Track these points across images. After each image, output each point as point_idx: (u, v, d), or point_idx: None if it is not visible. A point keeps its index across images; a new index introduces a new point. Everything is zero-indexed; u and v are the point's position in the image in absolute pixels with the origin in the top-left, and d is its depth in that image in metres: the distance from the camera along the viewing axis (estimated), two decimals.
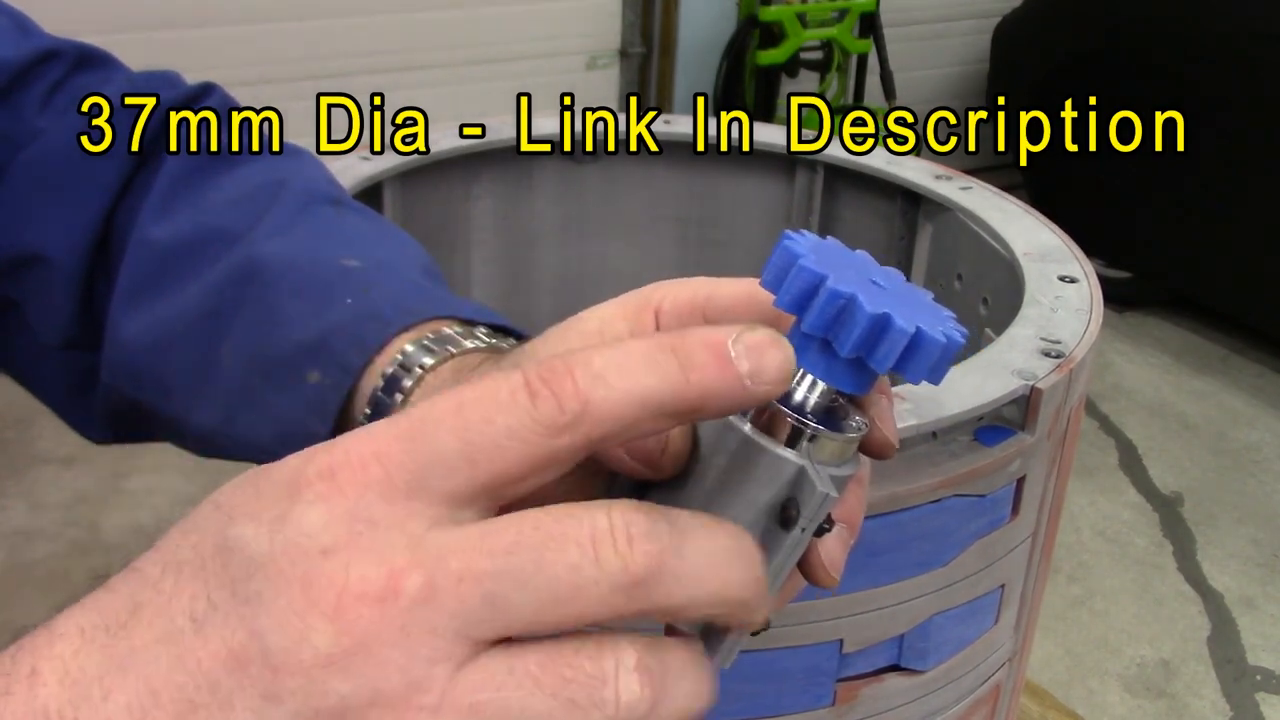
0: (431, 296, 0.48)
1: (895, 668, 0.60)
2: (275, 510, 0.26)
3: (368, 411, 0.45)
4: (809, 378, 0.33)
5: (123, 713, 0.25)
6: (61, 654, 0.27)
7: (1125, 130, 3.04)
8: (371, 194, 0.82)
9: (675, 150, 0.94)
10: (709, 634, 0.32)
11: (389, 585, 0.25)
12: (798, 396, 0.33)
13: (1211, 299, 3.07)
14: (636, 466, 0.32)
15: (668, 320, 0.38)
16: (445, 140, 0.87)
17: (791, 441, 0.32)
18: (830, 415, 0.33)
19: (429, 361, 0.44)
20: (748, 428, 0.32)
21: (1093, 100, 3.11)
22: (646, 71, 3.25)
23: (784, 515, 0.32)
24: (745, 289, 0.37)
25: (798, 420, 0.32)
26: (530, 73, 3.04)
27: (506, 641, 0.26)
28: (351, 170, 0.80)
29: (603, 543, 0.25)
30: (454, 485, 0.26)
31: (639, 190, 0.96)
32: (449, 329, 0.46)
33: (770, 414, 0.32)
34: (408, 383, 0.44)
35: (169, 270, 0.51)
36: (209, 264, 0.50)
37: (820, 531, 0.33)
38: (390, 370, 0.44)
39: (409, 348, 0.45)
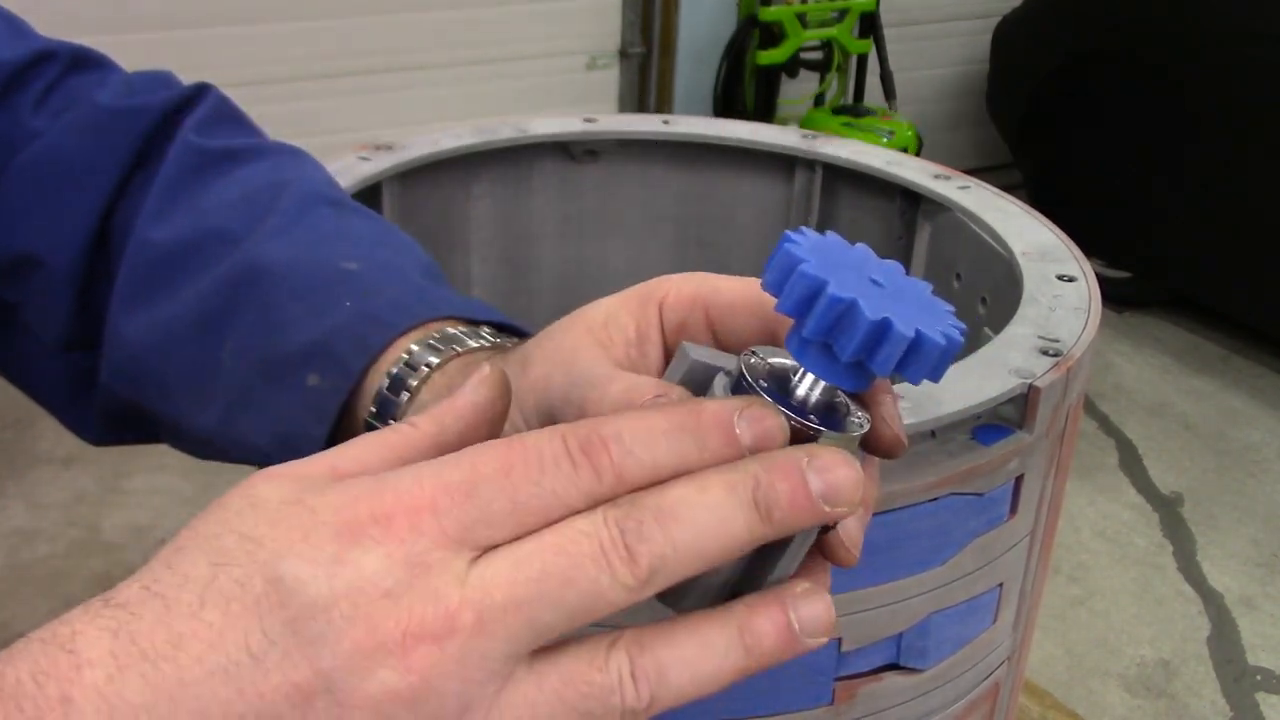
0: (434, 297, 0.48)
1: (894, 666, 0.60)
2: (329, 551, 0.28)
3: (373, 409, 0.45)
4: (810, 375, 0.33)
5: None
6: (95, 682, 0.27)
7: (1125, 130, 3.05)
8: (371, 194, 0.82)
9: (675, 150, 0.94)
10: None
11: (446, 624, 0.27)
12: (800, 393, 0.33)
13: (1211, 299, 3.07)
14: None
15: (670, 315, 0.39)
16: (445, 140, 0.87)
17: (795, 442, 0.32)
18: (832, 411, 0.34)
19: (435, 360, 0.44)
20: None
21: (1092, 100, 3.11)
22: (646, 71, 3.25)
23: None
24: (747, 288, 0.38)
25: (800, 423, 0.32)
26: (530, 73, 3.04)
27: (532, 657, 0.29)
28: (351, 170, 0.80)
29: (612, 554, 0.28)
30: (498, 537, 0.29)
31: (639, 190, 0.96)
32: (453, 328, 0.46)
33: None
34: (414, 382, 0.44)
35: (168, 272, 0.51)
36: (208, 266, 0.50)
37: (825, 528, 0.33)
38: (395, 370, 0.44)
39: (414, 347, 0.45)
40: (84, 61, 0.57)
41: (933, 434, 0.57)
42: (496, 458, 0.29)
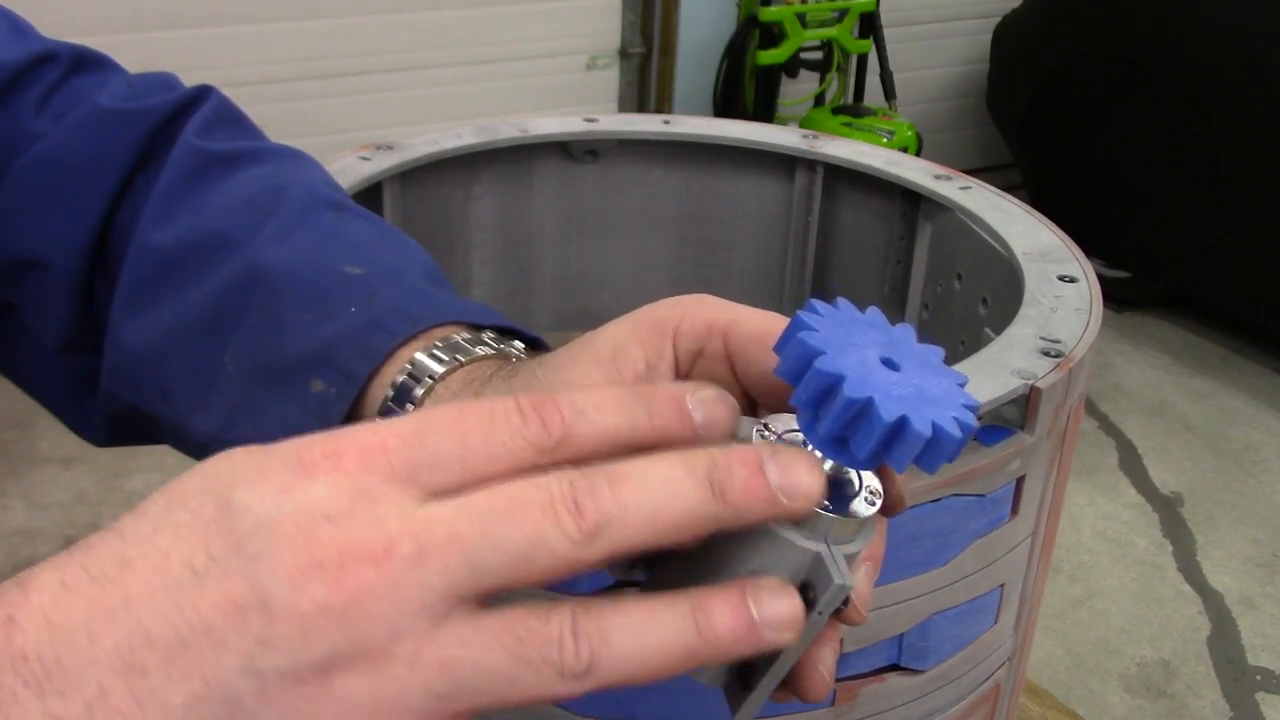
0: (437, 301, 0.48)
1: (895, 667, 0.60)
2: (281, 482, 0.28)
3: (378, 418, 0.45)
4: (819, 452, 0.33)
5: (110, 654, 0.27)
6: (40, 605, 0.28)
7: (1125, 130, 3.04)
8: (371, 194, 0.82)
9: (675, 150, 0.94)
10: (746, 676, 0.33)
11: (384, 549, 0.27)
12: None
13: (1211, 299, 3.07)
14: None
15: (685, 344, 0.38)
16: (446, 140, 0.87)
17: (807, 525, 0.32)
18: (842, 489, 0.34)
19: (439, 370, 0.44)
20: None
21: (1092, 100, 3.11)
22: (646, 71, 3.25)
23: (801, 599, 0.32)
24: (769, 322, 0.37)
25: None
26: (530, 73, 3.04)
27: (476, 606, 0.29)
28: (351, 170, 0.80)
29: (559, 505, 0.29)
30: (444, 481, 0.29)
31: (639, 190, 0.96)
32: (457, 335, 0.46)
33: None
34: (418, 392, 0.44)
35: (170, 275, 0.51)
36: (210, 270, 0.50)
37: (837, 612, 0.34)
38: (400, 379, 0.44)
39: (418, 356, 0.45)
40: (86, 62, 0.57)
41: None
42: (450, 411, 0.30)
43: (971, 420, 0.32)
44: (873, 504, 0.34)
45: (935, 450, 0.31)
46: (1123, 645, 2.11)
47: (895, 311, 0.90)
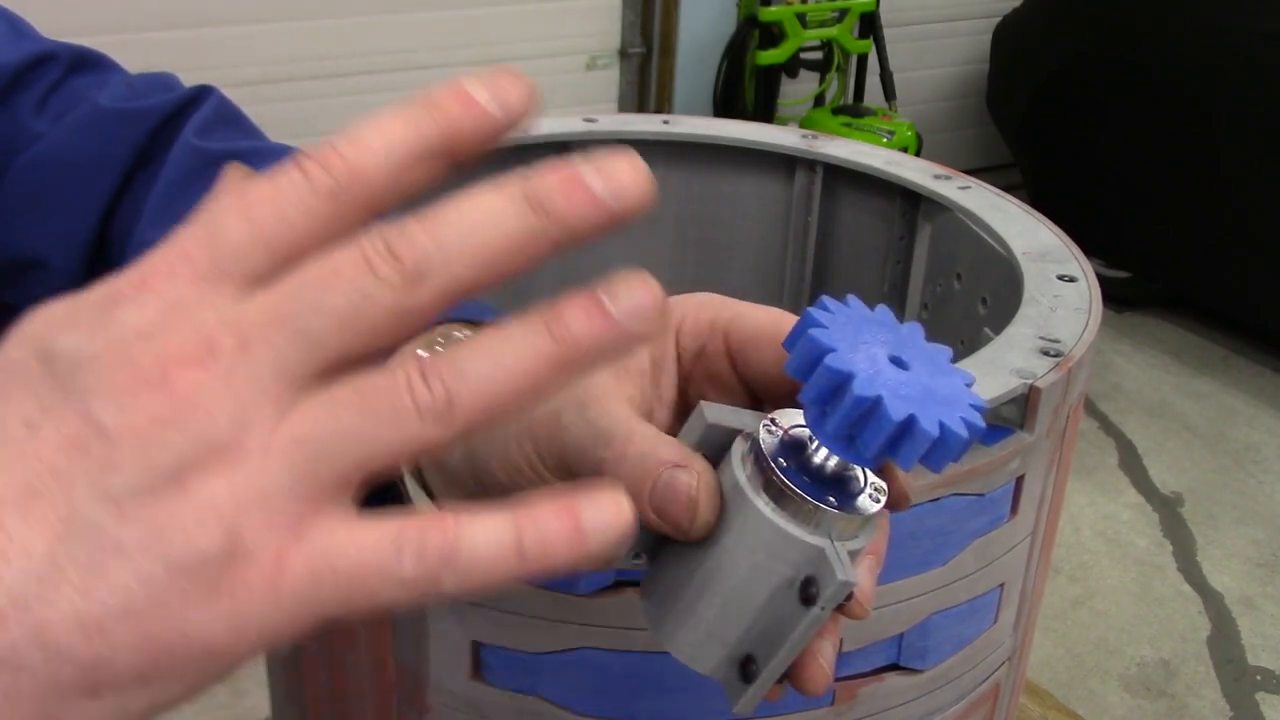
0: None
1: (894, 667, 0.60)
2: (94, 319, 0.28)
3: None
4: (825, 448, 0.33)
5: None
6: None
7: (1125, 130, 3.04)
8: None
9: (675, 150, 0.94)
10: (747, 668, 0.33)
11: (207, 347, 0.27)
12: (816, 460, 0.33)
13: (1211, 299, 3.07)
14: (665, 527, 0.34)
15: (687, 342, 0.38)
16: None
17: (812, 520, 0.32)
18: (847, 485, 0.34)
19: None
20: (767, 505, 0.32)
21: (1092, 100, 3.11)
22: (646, 71, 3.25)
23: (804, 594, 0.32)
24: (771, 319, 0.37)
25: (816, 505, 0.32)
26: (530, 73, 2.99)
27: (321, 384, 0.28)
28: None
29: (374, 258, 0.28)
30: (251, 265, 0.28)
31: None
32: (457, 332, 0.45)
33: (787, 491, 0.32)
34: None
35: None
36: None
37: (840, 607, 0.34)
38: None
39: (420, 353, 0.45)
40: (85, 63, 0.57)
41: None
42: (239, 197, 0.29)
43: (979, 421, 0.32)
44: (877, 501, 0.34)
45: (942, 450, 0.31)
46: (1123, 645, 2.11)
47: (895, 311, 0.89)
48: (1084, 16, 3.14)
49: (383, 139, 0.29)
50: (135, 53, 2.60)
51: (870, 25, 3.30)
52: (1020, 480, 0.60)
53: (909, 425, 0.31)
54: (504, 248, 0.29)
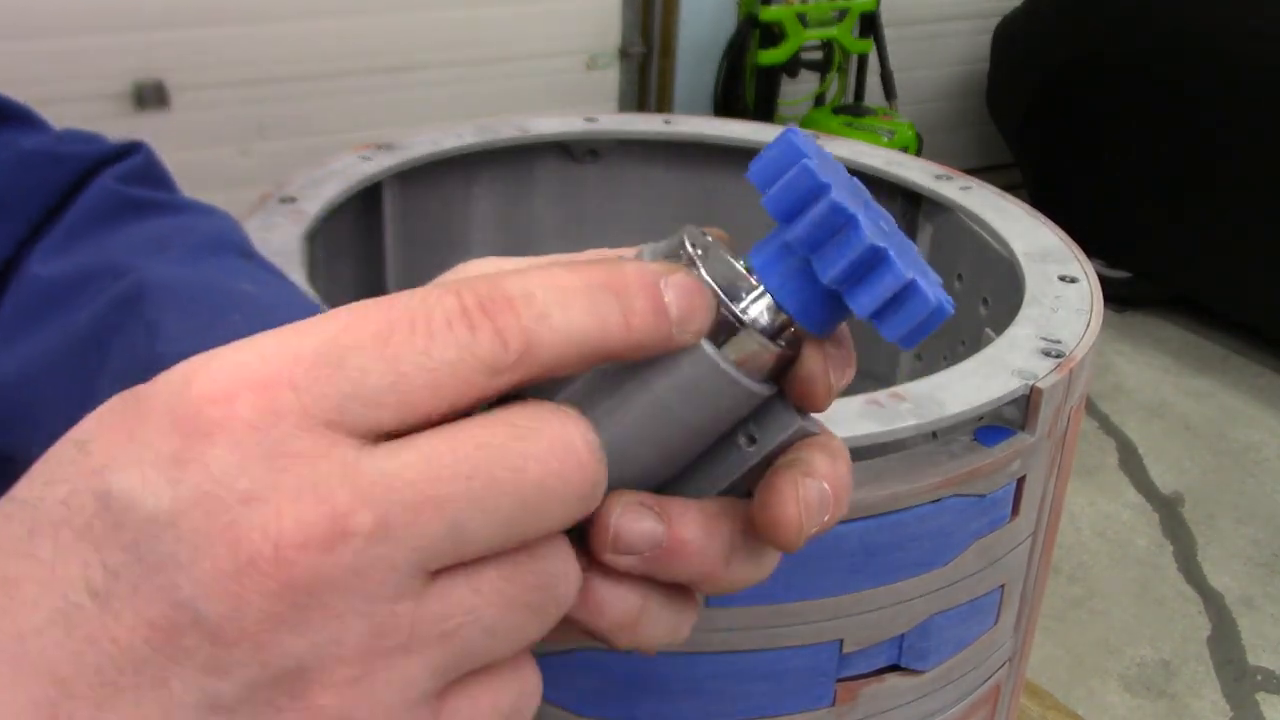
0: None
1: (895, 668, 0.60)
2: (163, 451, 0.22)
3: None
4: (764, 300, 0.28)
5: (29, 712, 0.22)
6: None
7: (1125, 130, 3.04)
8: (371, 194, 0.82)
9: (676, 150, 0.94)
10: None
11: (335, 528, 0.22)
12: (751, 313, 0.28)
13: (1211, 299, 3.07)
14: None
15: None
16: (446, 140, 0.87)
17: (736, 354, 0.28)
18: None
19: None
20: (712, 350, 0.27)
21: (1092, 100, 3.11)
22: (646, 71, 3.25)
23: (745, 436, 0.29)
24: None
25: (762, 343, 0.28)
26: (530, 73, 3.04)
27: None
28: (351, 170, 0.80)
29: (571, 452, 0.24)
30: (379, 420, 0.23)
31: (639, 190, 0.96)
32: None
33: (730, 330, 0.28)
34: None
35: (49, 305, 0.46)
36: (94, 297, 0.45)
37: (781, 447, 0.29)
38: None
39: None
40: (6, 115, 0.53)
41: (934, 435, 0.57)
42: (369, 320, 0.23)
43: (947, 306, 0.27)
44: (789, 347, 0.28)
45: (905, 307, 0.26)
46: (1123, 645, 2.11)
47: None
48: (1084, 16, 3.14)
49: (565, 322, 0.24)
50: (135, 52, 2.60)
51: (871, 25, 3.30)
52: (1021, 481, 0.60)
53: (882, 256, 0.26)
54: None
